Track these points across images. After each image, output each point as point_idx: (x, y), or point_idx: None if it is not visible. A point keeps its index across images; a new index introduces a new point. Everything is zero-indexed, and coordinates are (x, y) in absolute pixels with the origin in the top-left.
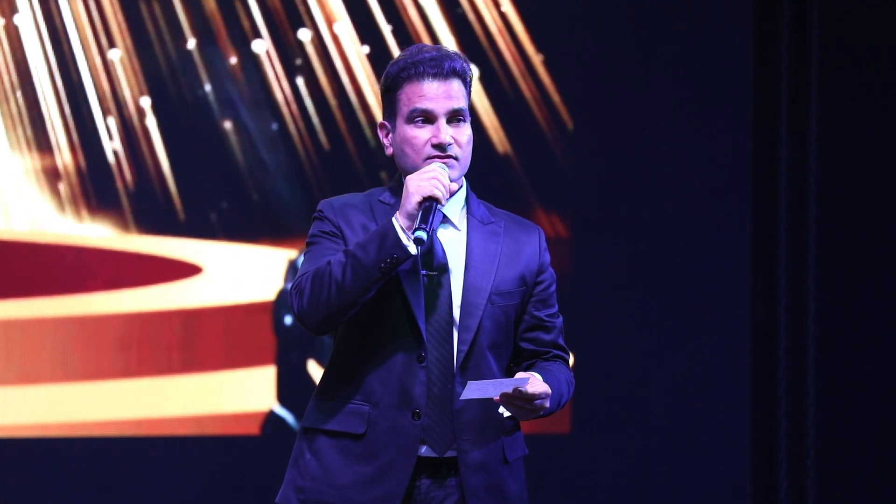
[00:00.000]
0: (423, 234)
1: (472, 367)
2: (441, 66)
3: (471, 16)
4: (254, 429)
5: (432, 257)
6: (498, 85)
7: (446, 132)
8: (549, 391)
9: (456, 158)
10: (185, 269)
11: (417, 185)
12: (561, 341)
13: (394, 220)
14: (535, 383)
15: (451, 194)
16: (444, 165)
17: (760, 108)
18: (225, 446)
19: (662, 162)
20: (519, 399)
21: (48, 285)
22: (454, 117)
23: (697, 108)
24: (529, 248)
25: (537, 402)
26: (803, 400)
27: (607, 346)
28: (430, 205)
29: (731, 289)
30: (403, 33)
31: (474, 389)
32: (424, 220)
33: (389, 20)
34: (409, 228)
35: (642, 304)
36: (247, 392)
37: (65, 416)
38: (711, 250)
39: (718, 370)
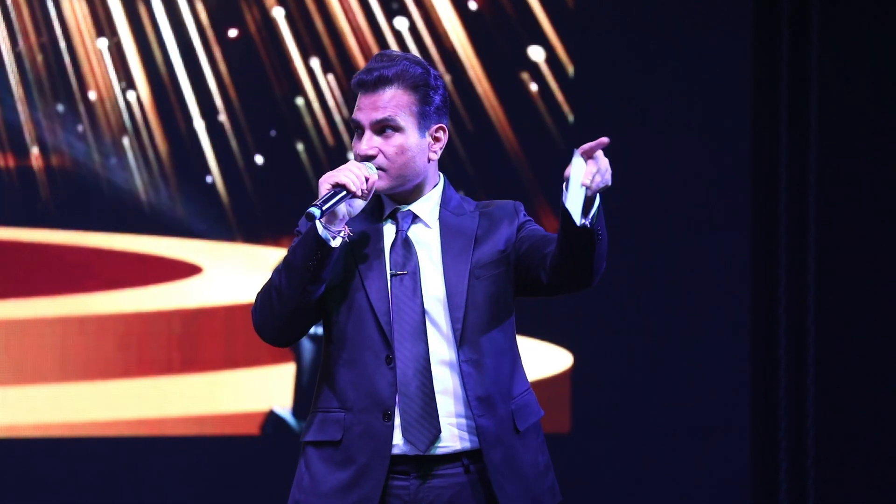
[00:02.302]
0: (314, 210)
1: (470, 345)
2: (370, 76)
3: (473, 15)
4: (253, 429)
5: (403, 258)
6: (497, 85)
7: (368, 143)
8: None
9: (382, 169)
10: (185, 269)
11: (326, 176)
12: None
13: (316, 220)
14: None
15: (424, 193)
16: (368, 164)
17: (760, 108)
18: (225, 446)
19: (662, 161)
20: (595, 150)
21: (48, 285)
22: (380, 127)
23: (697, 108)
24: (506, 218)
25: (602, 163)
26: (803, 400)
27: (607, 346)
28: (338, 190)
29: (731, 288)
30: (406, 30)
31: (577, 173)
32: (326, 201)
33: (394, 15)
34: (328, 223)
35: (642, 304)
36: (246, 392)
37: (65, 416)
38: (711, 250)
39: (718, 370)
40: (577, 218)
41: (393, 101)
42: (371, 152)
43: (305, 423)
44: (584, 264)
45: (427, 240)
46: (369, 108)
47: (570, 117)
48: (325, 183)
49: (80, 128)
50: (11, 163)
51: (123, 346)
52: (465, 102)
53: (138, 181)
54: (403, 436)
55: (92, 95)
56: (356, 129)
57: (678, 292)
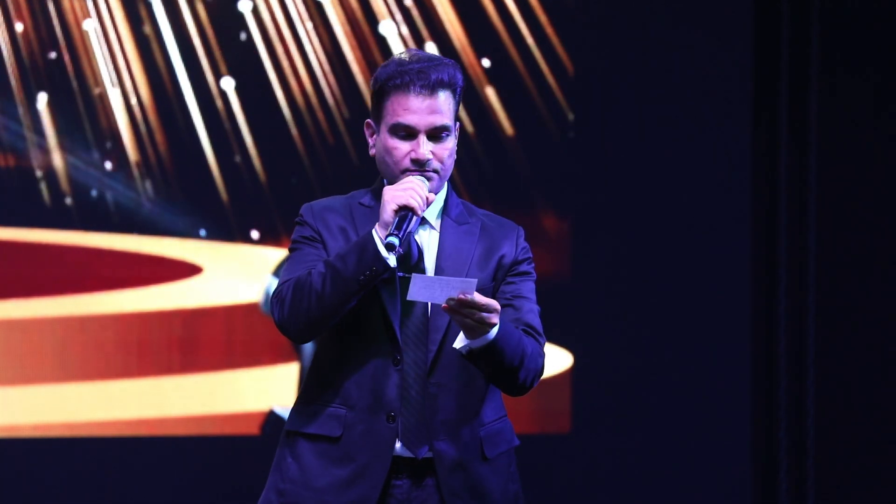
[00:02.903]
0: (394, 240)
1: (442, 368)
2: (427, 79)
3: (476, 10)
4: (253, 429)
5: (409, 259)
6: (498, 86)
7: (426, 148)
8: (499, 308)
9: (436, 172)
10: (185, 269)
11: (393, 195)
12: (530, 320)
13: (373, 232)
14: (483, 297)
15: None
16: (423, 178)
17: (760, 108)
18: (224, 446)
19: (663, 162)
20: (466, 307)
21: (48, 285)
22: (436, 133)
23: (698, 108)
24: (506, 245)
25: (485, 314)
26: (803, 400)
27: (607, 346)
28: (405, 213)
29: (731, 288)
30: (405, 26)
31: (420, 287)
32: (398, 227)
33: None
34: (386, 249)
35: (642, 305)
36: (246, 392)
37: (65, 416)
38: (711, 250)
39: (718, 370)
40: (421, 299)
41: (446, 104)
42: (430, 156)
43: (294, 412)
44: (494, 376)
45: (430, 245)
46: (426, 112)
47: (570, 116)
48: (392, 203)
49: (81, 127)
50: (11, 163)
51: (123, 346)
52: (465, 102)
53: (138, 180)
54: (401, 439)
55: (94, 93)
56: (400, 132)
57: (678, 292)
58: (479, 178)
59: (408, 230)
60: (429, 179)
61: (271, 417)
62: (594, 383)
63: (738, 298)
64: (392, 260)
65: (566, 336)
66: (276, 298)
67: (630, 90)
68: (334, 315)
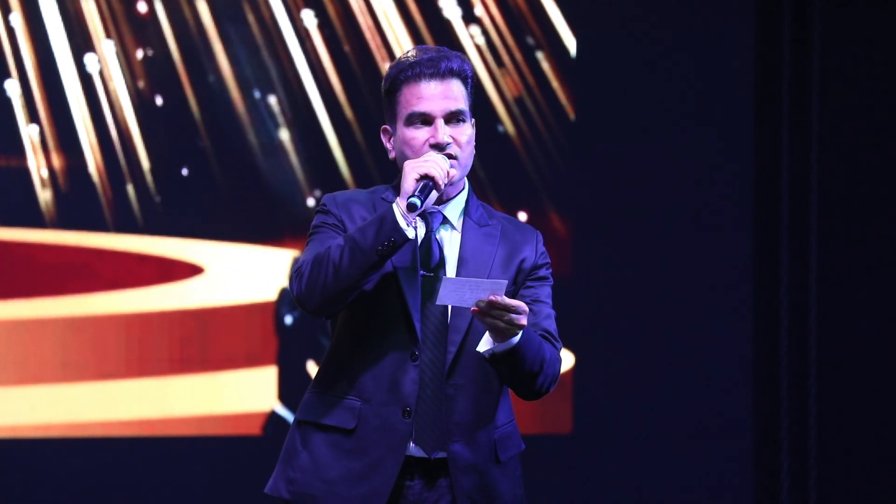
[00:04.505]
0: (416, 201)
1: (461, 370)
2: (438, 67)
3: (477, 10)
4: (255, 429)
5: (430, 258)
6: (499, 85)
7: (444, 132)
8: (528, 310)
9: (455, 158)
10: (186, 270)
11: (413, 166)
12: (547, 325)
13: (394, 205)
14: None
15: (454, 196)
16: (443, 156)
17: (762, 108)
18: (226, 447)
19: (664, 162)
20: (496, 309)
21: (49, 285)
22: (453, 118)
23: (699, 108)
24: (526, 249)
25: (514, 315)
26: (805, 400)
27: (608, 346)
28: (426, 182)
29: (733, 289)
30: (405, 28)
31: (450, 290)
32: (422, 192)
33: (390, 16)
34: (407, 210)
35: (643, 304)
36: (248, 392)
37: (66, 416)
38: (713, 250)
39: (720, 370)
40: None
41: (459, 91)
42: (450, 140)
43: (307, 402)
44: (512, 380)
45: (451, 245)
46: (440, 98)
47: (572, 116)
48: (413, 173)
49: (83, 127)
50: (12, 163)
51: (125, 346)
52: None
53: (139, 180)
54: (414, 439)
55: (93, 94)
56: (416, 121)
57: (680, 293)
58: (479, 178)
59: (427, 195)
60: (450, 157)
61: (273, 418)
62: (596, 384)
63: (739, 298)
64: (410, 232)
65: (568, 336)
66: (295, 274)
67: (632, 89)
68: (351, 289)
